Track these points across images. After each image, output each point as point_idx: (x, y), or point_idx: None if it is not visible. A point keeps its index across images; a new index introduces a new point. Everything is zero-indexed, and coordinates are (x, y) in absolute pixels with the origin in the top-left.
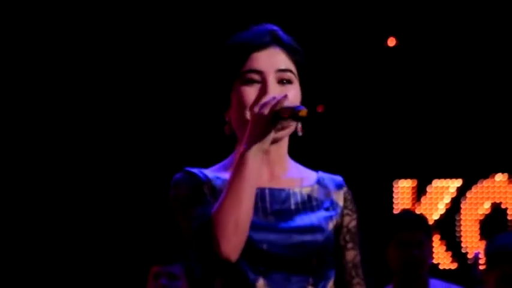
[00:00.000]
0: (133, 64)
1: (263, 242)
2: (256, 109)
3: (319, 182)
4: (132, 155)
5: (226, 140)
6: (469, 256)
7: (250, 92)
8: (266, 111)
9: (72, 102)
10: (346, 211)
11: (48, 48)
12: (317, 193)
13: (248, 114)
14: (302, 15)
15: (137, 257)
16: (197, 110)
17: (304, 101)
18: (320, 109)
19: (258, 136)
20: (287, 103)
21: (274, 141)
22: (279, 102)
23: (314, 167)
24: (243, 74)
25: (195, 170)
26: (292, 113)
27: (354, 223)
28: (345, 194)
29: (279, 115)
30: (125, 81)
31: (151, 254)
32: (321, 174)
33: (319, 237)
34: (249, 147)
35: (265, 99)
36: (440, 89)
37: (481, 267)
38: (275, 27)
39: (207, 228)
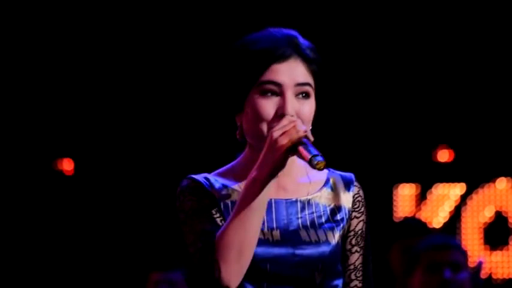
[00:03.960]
0: (138, 65)
1: (266, 261)
2: (275, 134)
3: (328, 182)
4: (132, 158)
5: (230, 143)
6: (471, 264)
7: (268, 105)
8: (285, 141)
9: (75, 103)
10: (354, 214)
11: (49, 49)
12: (325, 199)
13: (264, 128)
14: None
15: (136, 263)
16: (198, 113)
17: (317, 109)
18: None
19: (273, 163)
20: (309, 134)
21: None
22: (298, 135)
23: None
24: (261, 84)
25: (200, 179)
26: (309, 161)
27: (360, 225)
28: (354, 195)
29: (296, 150)
30: (128, 82)
31: (151, 261)
32: (332, 173)
33: (324, 251)
34: (261, 174)
35: (285, 123)
36: (442, 94)
37: (482, 275)
38: (295, 34)
39: (210, 252)
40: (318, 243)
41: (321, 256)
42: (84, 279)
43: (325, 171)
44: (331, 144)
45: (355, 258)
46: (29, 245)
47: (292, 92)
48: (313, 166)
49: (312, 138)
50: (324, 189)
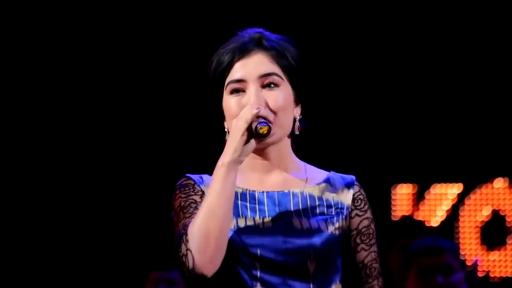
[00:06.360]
0: (137, 66)
1: (257, 247)
2: (233, 121)
3: (327, 181)
4: (131, 158)
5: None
6: (468, 263)
7: (236, 103)
8: (240, 123)
9: (76, 105)
10: (355, 212)
11: (51, 50)
12: (321, 192)
13: None
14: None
15: (135, 262)
16: (193, 115)
17: (303, 102)
18: None
19: (234, 148)
20: (266, 113)
21: (266, 145)
22: (251, 114)
23: None
24: (227, 85)
25: (194, 176)
26: (255, 129)
27: (365, 223)
28: (354, 193)
29: (251, 128)
30: (126, 83)
31: (150, 260)
32: (332, 174)
33: (316, 240)
34: (224, 159)
35: (244, 110)
36: (440, 92)
37: (480, 274)
38: (259, 31)
39: (184, 243)
40: (310, 231)
41: (312, 245)
42: (83, 279)
43: (325, 172)
44: (329, 144)
45: (364, 256)
46: (26, 243)
47: (257, 85)
48: (257, 132)
49: (271, 119)
50: (322, 184)
